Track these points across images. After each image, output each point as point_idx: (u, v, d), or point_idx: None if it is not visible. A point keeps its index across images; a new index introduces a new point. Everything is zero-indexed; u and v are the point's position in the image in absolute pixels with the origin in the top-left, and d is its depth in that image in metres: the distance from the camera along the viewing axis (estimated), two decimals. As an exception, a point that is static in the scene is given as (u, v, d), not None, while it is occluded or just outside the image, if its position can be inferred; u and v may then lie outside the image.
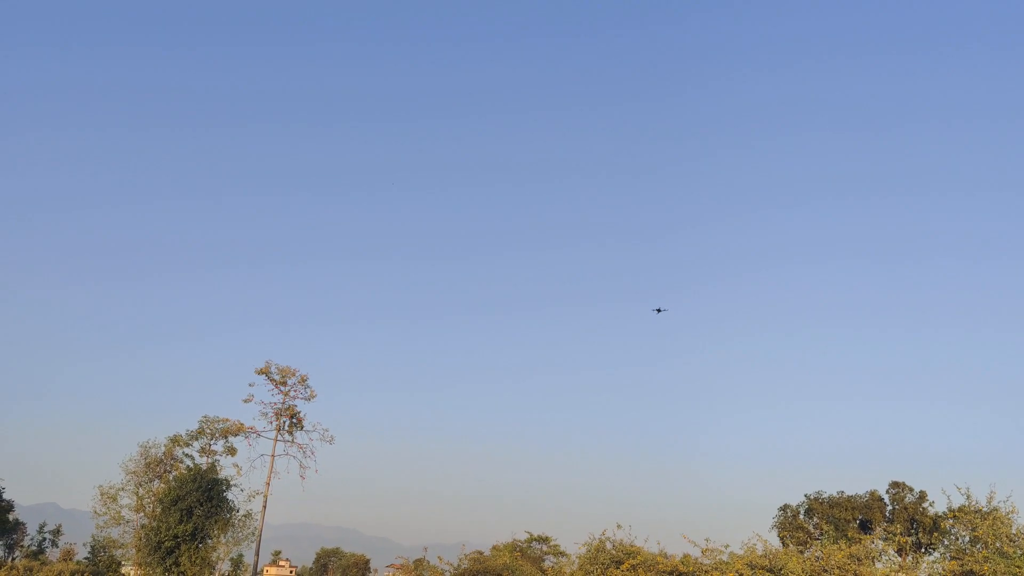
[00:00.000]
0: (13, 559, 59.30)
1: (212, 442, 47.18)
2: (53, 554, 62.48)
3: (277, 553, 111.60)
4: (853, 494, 66.52)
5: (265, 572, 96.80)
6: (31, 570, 45.09)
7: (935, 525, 56.25)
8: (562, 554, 42.90)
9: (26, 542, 64.24)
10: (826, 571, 15.33)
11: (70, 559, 56.95)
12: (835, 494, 66.84)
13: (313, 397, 46.05)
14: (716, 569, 16.95)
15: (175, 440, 46.84)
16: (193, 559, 36.36)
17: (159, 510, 39.17)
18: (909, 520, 62.79)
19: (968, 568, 14.60)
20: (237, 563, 53.07)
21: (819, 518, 65.81)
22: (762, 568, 15.95)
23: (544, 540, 47.18)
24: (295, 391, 45.42)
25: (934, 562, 16.82)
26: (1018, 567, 14.24)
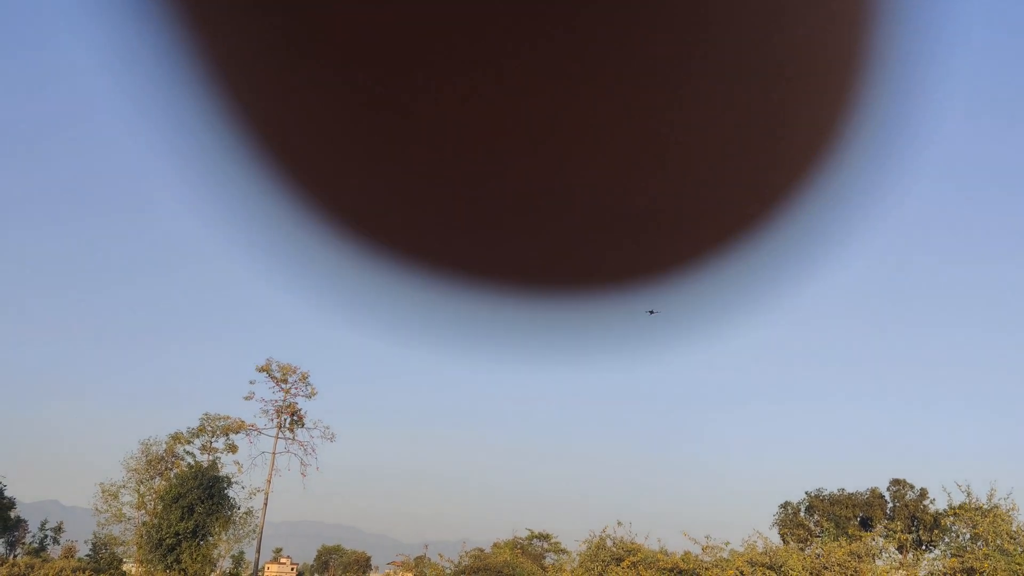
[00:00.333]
0: (14, 556, 59.47)
1: (213, 440, 47.26)
2: (54, 551, 62.64)
3: (278, 550, 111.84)
4: (854, 491, 66.63)
5: (266, 569, 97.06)
6: (32, 567, 45.20)
7: (936, 522, 56.33)
8: (563, 551, 42.97)
9: (27, 539, 64.38)
10: (826, 568, 15.35)
11: (71, 556, 57.12)
12: (836, 491, 66.95)
13: (314, 395, 46.20)
14: (716, 566, 16.97)
15: (176, 438, 46.93)
16: (194, 556, 36.48)
17: (160, 508, 39.29)
18: (910, 517, 62.89)
19: (968, 565, 14.61)
20: (238, 560, 53.20)
21: (820, 515, 65.92)
22: (762, 565, 15.96)
23: (545, 537, 47.23)
24: (296, 388, 45.56)
25: (934, 559, 16.84)
26: (1018, 564, 14.25)
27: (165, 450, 46.92)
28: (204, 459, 45.62)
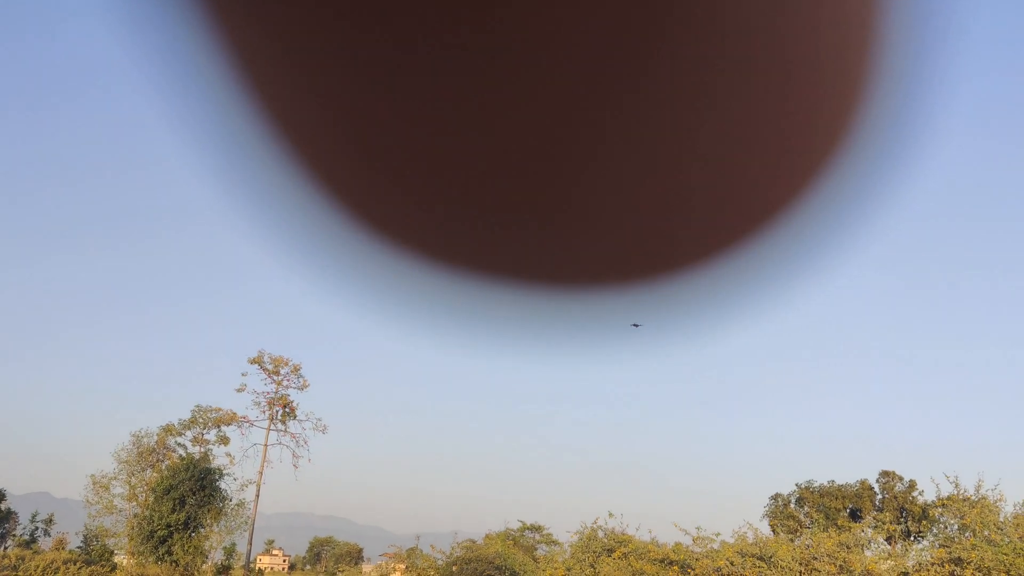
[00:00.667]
0: (5, 548, 59.33)
1: (205, 432, 47.18)
2: (45, 543, 62.50)
3: (270, 542, 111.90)
4: (844, 483, 67.06)
5: (258, 561, 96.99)
6: (23, 559, 45.10)
7: (924, 514, 56.78)
8: (554, 543, 43.11)
9: (18, 531, 64.24)
10: (816, 559, 15.46)
11: (63, 548, 56.98)
12: (826, 483, 67.38)
13: (306, 387, 46.19)
14: (707, 557, 17.07)
15: (168, 429, 46.80)
16: (186, 548, 36.46)
17: (151, 499, 39.23)
18: (899, 509, 63.33)
19: (956, 555, 14.75)
20: (230, 552, 53.18)
21: (810, 507, 66.32)
22: (752, 556, 16.07)
23: (537, 529, 47.36)
24: (288, 380, 45.53)
25: (922, 550, 16.98)
26: (1005, 554, 14.40)
27: (156, 442, 46.81)
28: (196, 451, 45.57)
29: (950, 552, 15.03)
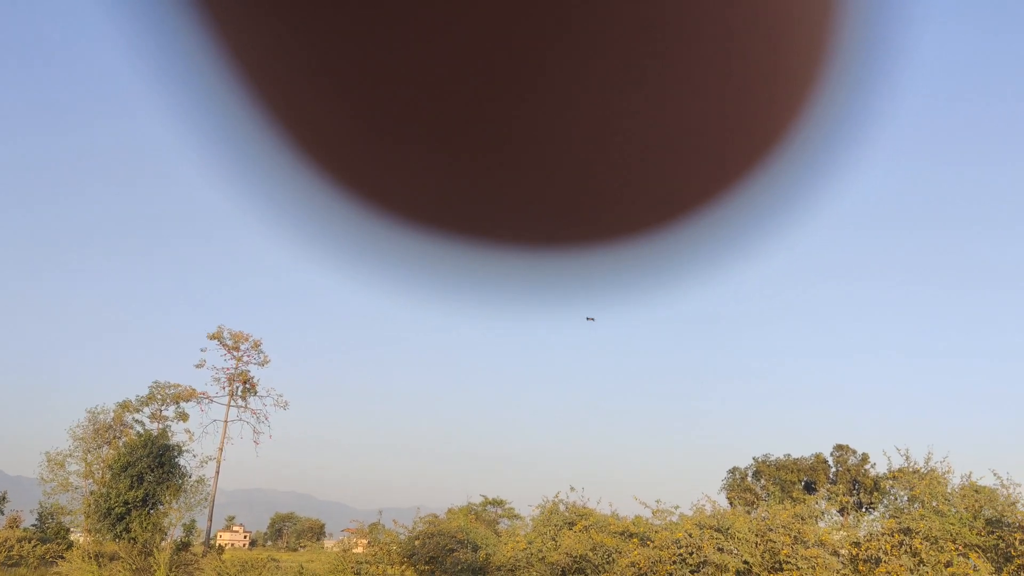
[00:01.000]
0: (-44, 527, 58.15)
1: (163, 408, 46.54)
2: (-1, 522, 61.42)
3: (231, 518, 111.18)
4: (799, 457, 68.65)
5: (219, 537, 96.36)
6: (-24, 538, 44.22)
7: (876, 486, 58.44)
8: (516, 517, 43.50)
9: (-31, 510, 62.96)
10: (771, 530, 15.83)
11: (16, 526, 55.98)
12: (782, 457, 68.91)
13: (267, 363, 45.78)
14: (666, 529, 17.37)
15: (124, 406, 46.05)
16: (144, 525, 36.05)
17: (109, 476, 38.66)
18: (851, 481, 65.11)
19: (905, 526, 15.22)
20: (190, 529, 52.78)
21: (766, 480, 67.84)
22: (710, 528, 16.39)
23: (499, 503, 47.72)
24: (248, 356, 45.05)
25: (874, 520, 17.47)
26: (952, 524, 14.89)
27: (113, 418, 46.08)
28: (154, 427, 44.95)
29: (900, 523, 15.50)
